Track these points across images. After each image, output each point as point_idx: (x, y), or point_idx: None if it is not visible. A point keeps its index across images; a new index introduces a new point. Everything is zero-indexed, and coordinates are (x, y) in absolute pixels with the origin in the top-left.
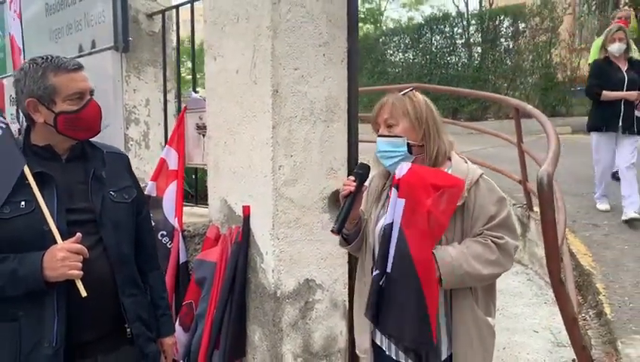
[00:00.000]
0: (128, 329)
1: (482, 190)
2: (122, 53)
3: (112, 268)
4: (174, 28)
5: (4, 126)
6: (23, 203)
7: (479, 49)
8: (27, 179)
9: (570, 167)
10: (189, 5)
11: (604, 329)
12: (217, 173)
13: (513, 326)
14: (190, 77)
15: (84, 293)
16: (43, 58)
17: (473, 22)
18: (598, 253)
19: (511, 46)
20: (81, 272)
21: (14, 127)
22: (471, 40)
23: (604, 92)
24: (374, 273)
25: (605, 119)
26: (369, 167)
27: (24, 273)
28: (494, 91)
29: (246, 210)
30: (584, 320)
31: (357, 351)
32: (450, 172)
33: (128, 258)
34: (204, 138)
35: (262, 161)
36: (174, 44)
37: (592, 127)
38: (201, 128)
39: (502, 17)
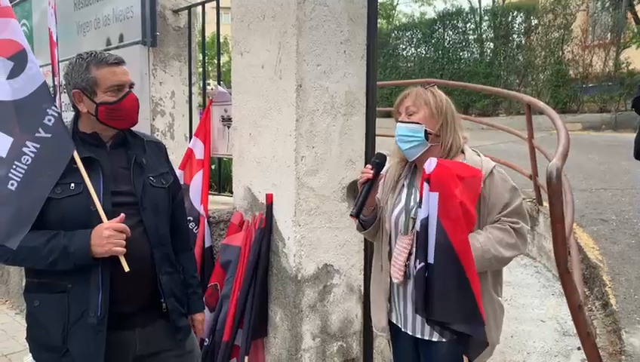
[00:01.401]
0: (164, 304)
1: (496, 180)
2: (149, 48)
3: (150, 247)
4: (200, 23)
5: (56, 114)
6: (72, 185)
7: (491, 45)
8: (76, 163)
9: (579, 163)
10: (214, 2)
11: (609, 319)
12: (242, 163)
13: (521, 316)
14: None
15: (127, 268)
16: (88, 53)
17: (486, 18)
18: (606, 247)
19: (523, 42)
20: (125, 249)
21: None
22: (483, 36)
23: None
24: (418, 266)
25: None
26: (385, 156)
27: (74, 249)
28: (505, 87)
29: (269, 197)
30: (590, 311)
31: (374, 330)
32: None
33: (165, 238)
34: (229, 130)
35: (285, 151)
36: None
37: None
38: (226, 120)
39: (514, 13)
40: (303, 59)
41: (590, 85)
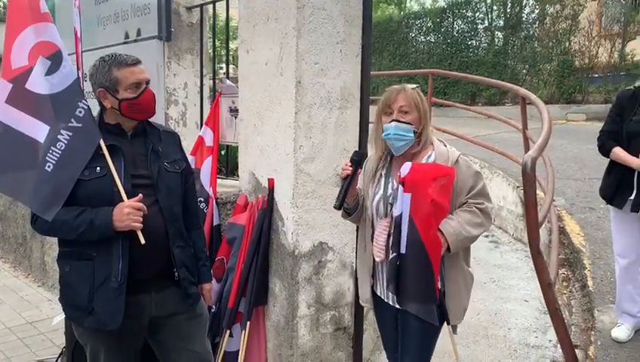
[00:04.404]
0: (176, 273)
1: (462, 167)
2: (165, 42)
3: (165, 224)
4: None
5: (86, 107)
6: (98, 168)
7: (500, 34)
8: (101, 150)
9: (578, 153)
10: (224, 1)
11: (586, 299)
12: (247, 150)
13: (506, 296)
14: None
15: (142, 241)
16: (109, 56)
17: (495, 7)
18: (590, 234)
19: (531, 32)
20: (141, 225)
21: None
22: (492, 25)
23: (616, 150)
24: (391, 256)
25: (613, 187)
26: (363, 153)
27: (98, 222)
28: (513, 77)
29: (271, 182)
30: (570, 292)
31: (360, 301)
32: (433, 155)
33: (178, 216)
34: (236, 120)
35: (285, 141)
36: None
37: (601, 195)
38: (234, 111)
39: (524, 3)
40: (302, 59)
41: (595, 76)
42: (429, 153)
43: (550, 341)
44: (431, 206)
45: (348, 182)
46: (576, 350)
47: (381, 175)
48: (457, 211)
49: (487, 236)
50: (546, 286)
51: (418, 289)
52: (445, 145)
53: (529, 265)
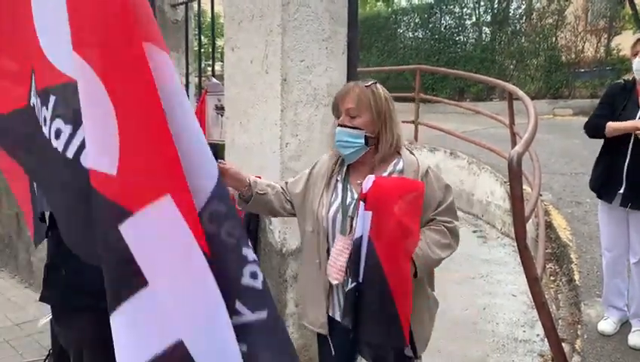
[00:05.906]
0: None
1: (431, 179)
2: None
3: None
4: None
5: None
6: None
7: (487, 30)
8: None
9: (565, 147)
10: None
11: (572, 293)
12: (233, 148)
13: (495, 291)
14: None
15: None
16: None
17: (482, 3)
18: (577, 228)
19: (518, 28)
20: None
21: None
22: (480, 20)
23: (609, 124)
24: (350, 285)
25: (602, 180)
26: (216, 145)
27: None
28: (500, 72)
29: None
30: (557, 286)
31: (310, 326)
32: (401, 164)
33: None
34: (222, 118)
35: (271, 138)
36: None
37: (590, 187)
38: (220, 109)
39: None
40: (288, 56)
41: (582, 71)
42: (395, 161)
43: (538, 335)
44: (397, 228)
45: None
46: (563, 344)
47: (337, 180)
48: (424, 230)
49: (475, 231)
50: (533, 281)
51: (379, 327)
52: (413, 154)
53: (517, 260)
